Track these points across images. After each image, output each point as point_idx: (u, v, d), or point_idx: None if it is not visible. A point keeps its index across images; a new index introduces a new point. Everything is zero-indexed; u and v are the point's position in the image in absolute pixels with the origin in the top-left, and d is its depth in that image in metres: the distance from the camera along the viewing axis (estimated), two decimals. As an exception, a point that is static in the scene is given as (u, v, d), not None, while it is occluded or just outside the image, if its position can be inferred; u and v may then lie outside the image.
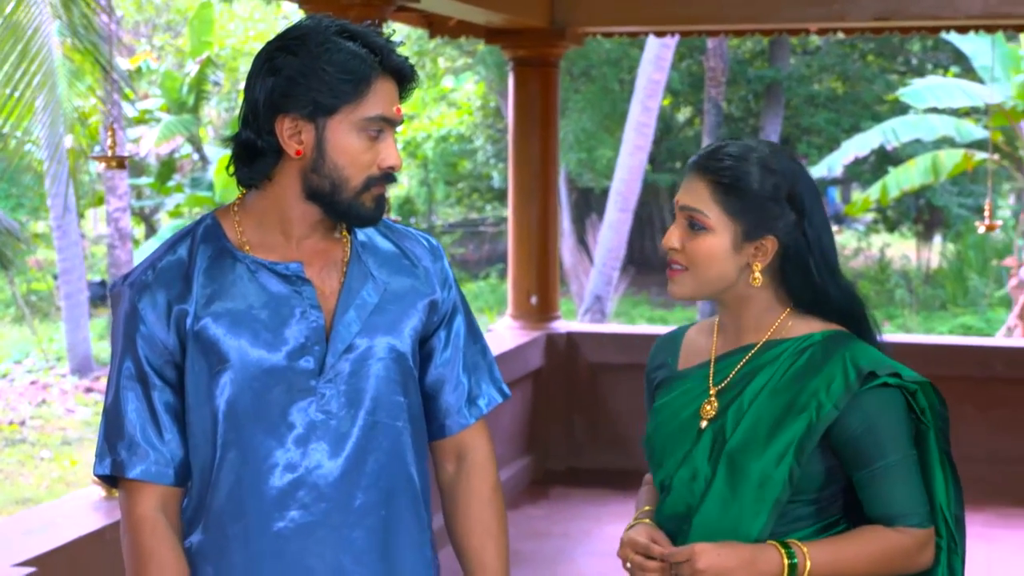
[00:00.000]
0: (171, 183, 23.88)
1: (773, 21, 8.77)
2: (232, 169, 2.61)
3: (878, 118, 24.09)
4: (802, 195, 2.77)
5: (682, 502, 2.79)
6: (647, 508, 2.92)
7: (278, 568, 2.56)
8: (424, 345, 2.73)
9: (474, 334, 2.81)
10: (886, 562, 2.69)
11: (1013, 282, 18.88)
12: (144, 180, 23.69)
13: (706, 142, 22.36)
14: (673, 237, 2.79)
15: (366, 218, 2.59)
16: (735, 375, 2.81)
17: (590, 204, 26.81)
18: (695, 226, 2.77)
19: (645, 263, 28.69)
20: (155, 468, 2.57)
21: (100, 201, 21.65)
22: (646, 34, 9.71)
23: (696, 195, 2.77)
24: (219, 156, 22.49)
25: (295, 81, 2.50)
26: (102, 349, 19.71)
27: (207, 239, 2.62)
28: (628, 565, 2.77)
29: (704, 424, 2.80)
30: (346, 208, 2.56)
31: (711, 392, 2.83)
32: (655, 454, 2.88)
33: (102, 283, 23.92)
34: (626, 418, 8.83)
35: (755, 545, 2.67)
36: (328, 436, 2.56)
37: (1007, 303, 22.20)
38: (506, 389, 2.86)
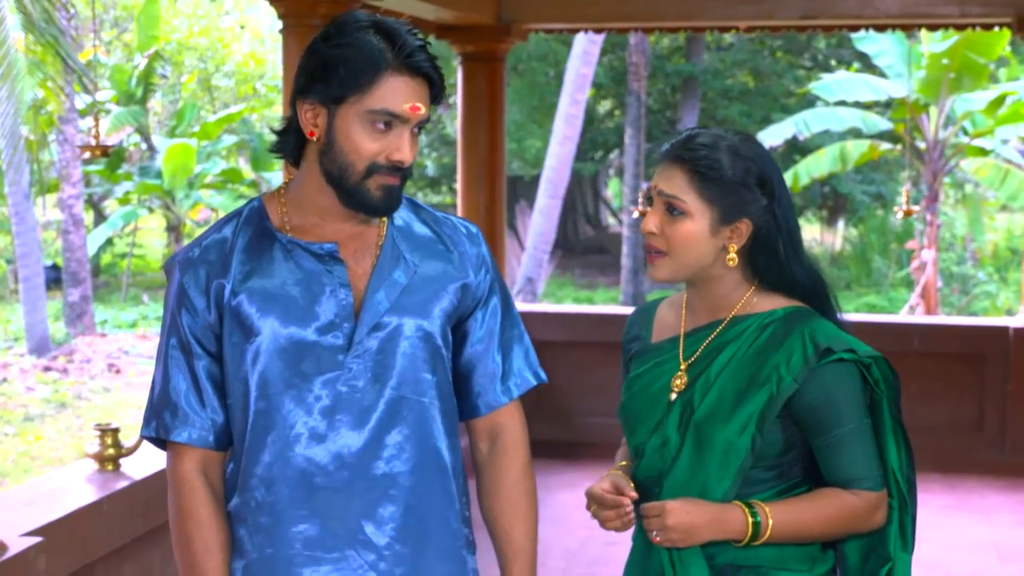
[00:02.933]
0: (120, 171, 23.62)
1: (706, 18, 8.81)
2: (273, 145, 2.67)
3: (787, 110, 24.29)
4: (771, 179, 2.81)
5: (654, 467, 2.84)
6: (623, 463, 2.97)
7: (303, 531, 2.57)
8: (460, 327, 2.72)
9: (511, 318, 2.78)
10: (842, 522, 2.76)
11: (915, 264, 19.12)
12: (94, 168, 23.41)
13: (628, 133, 22.43)
14: (651, 223, 2.81)
15: (372, 206, 2.57)
16: (703, 350, 2.86)
17: (518, 191, 26.84)
18: (674, 211, 2.79)
19: (569, 247, 28.79)
20: (197, 433, 2.60)
21: (53, 188, 21.41)
22: (586, 30, 9.68)
23: (673, 182, 2.79)
24: (167, 145, 22.29)
25: (317, 67, 2.53)
26: (58, 329, 19.54)
27: (250, 220, 2.65)
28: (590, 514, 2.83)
29: (674, 396, 2.85)
30: (352, 193, 2.56)
31: (681, 366, 2.87)
32: (629, 422, 2.93)
33: (54, 267, 23.69)
34: (569, 392, 8.86)
35: (721, 505, 2.74)
36: (353, 408, 2.57)
37: (908, 283, 22.49)
38: (541, 373, 2.81)
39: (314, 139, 2.57)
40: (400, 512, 2.59)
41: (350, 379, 2.57)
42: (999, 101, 17.43)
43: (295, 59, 6.39)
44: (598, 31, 9.64)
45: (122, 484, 4.56)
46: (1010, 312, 20.08)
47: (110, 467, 4.74)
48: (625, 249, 22.39)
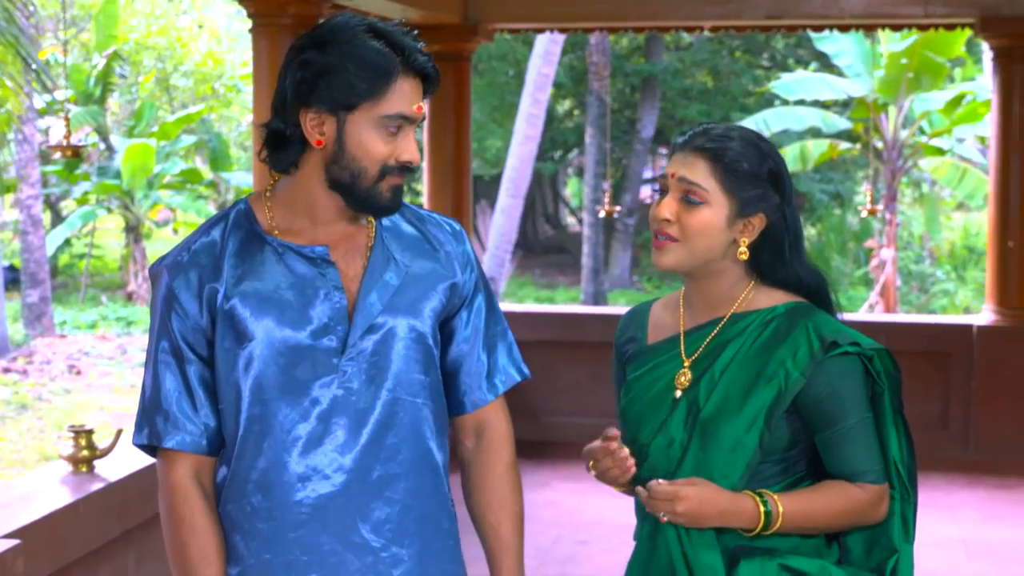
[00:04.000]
0: (78, 171, 23.48)
1: (672, 19, 8.83)
2: (264, 155, 2.62)
3: (746, 110, 24.38)
4: (784, 177, 2.82)
5: (659, 468, 2.83)
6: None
7: (300, 536, 2.56)
8: (446, 325, 2.71)
9: (494, 315, 2.78)
10: (848, 515, 2.78)
11: (874, 262, 19.26)
12: (51, 168, 23.28)
13: (589, 133, 22.48)
14: (666, 209, 2.79)
15: (383, 208, 2.58)
16: (706, 347, 2.85)
17: (478, 191, 26.84)
18: (692, 200, 2.78)
19: (529, 246, 28.82)
20: (189, 438, 2.58)
21: (11, 188, 21.27)
22: (552, 30, 9.69)
23: (694, 169, 2.77)
24: (125, 146, 22.17)
25: (320, 76, 2.50)
26: (17, 331, 19.41)
27: (239, 223, 2.62)
28: (593, 474, 2.83)
29: (679, 394, 2.84)
30: (364, 197, 2.55)
31: (684, 364, 2.86)
32: (631, 424, 2.91)
33: (11, 268, 23.51)
34: (535, 391, 8.86)
35: (734, 494, 2.74)
36: (349, 411, 2.56)
37: (866, 282, 22.62)
38: (525, 369, 2.82)
39: (320, 147, 2.54)
40: (397, 514, 2.59)
41: (345, 382, 2.56)
42: (957, 101, 17.57)
43: (265, 58, 6.41)
44: (563, 31, 9.65)
45: (97, 486, 4.53)
46: (968, 310, 20.25)
47: (84, 469, 4.70)
48: (586, 248, 22.43)
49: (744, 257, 2.80)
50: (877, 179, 19.14)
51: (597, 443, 2.81)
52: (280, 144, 2.58)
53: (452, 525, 2.70)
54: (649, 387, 2.89)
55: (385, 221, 2.68)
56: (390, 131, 2.53)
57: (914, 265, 22.34)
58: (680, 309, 2.94)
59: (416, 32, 2.58)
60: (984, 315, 8.76)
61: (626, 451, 2.77)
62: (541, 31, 10.06)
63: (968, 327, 8.73)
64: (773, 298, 2.85)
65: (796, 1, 8.55)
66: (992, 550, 7.11)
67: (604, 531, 7.18)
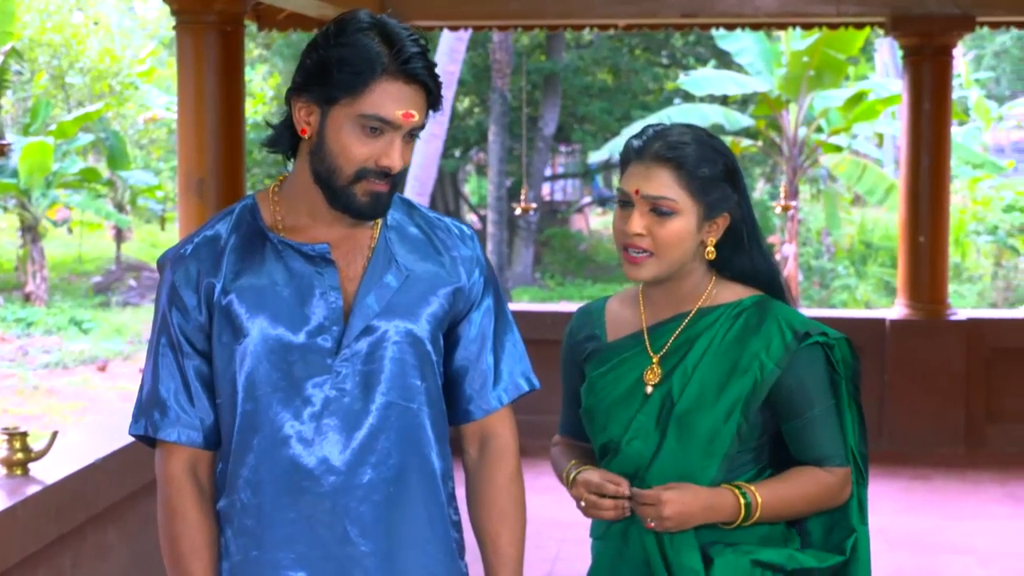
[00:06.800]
0: (-28, 170, 23.05)
1: (589, 16, 8.88)
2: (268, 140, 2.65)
3: (647, 107, 24.57)
4: (738, 172, 2.88)
5: (630, 463, 2.86)
6: (575, 462, 2.97)
7: (287, 535, 2.55)
8: (453, 331, 2.68)
9: (505, 323, 2.74)
10: (819, 499, 2.86)
11: (776, 258, 19.48)
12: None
13: (493, 131, 22.49)
14: (637, 225, 2.81)
15: (358, 210, 2.54)
16: (673, 342, 2.88)
17: (380, 189, 26.72)
18: (662, 212, 2.79)
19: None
20: (185, 432, 2.58)
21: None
22: (468, 27, 9.71)
23: (659, 182, 2.80)
24: (22, 144, 21.80)
25: (314, 66, 2.51)
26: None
27: (243, 218, 2.62)
28: (582, 504, 2.86)
29: (650, 389, 2.87)
30: (339, 195, 2.53)
31: (652, 359, 2.89)
32: (597, 421, 2.93)
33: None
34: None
35: (714, 490, 2.80)
36: (341, 413, 2.54)
37: (768, 277, 22.84)
38: (534, 380, 2.77)
39: (306, 137, 2.54)
40: (384, 517, 2.57)
41: (338, 383, 2.54)
42: (856, 98, 17.84)
43: (190, 55, 6.36)
44: (479, 28, 9.67)
45: (34, 489, 4.45)
46: (869, 305, 20.57)
47: (19, 472, 4.61)
48: (490, 246, 22.45)
49: (712, 256, 2.86)
50: (776, 175, 19.37)
51: (608, 479, 2.84)
52: (281, 129, 2.60)
53: (448, 532, 2.66)
54: (616, 383, 2.91)
55: (390, 221, 2.65)
56: (368, 132, 2.49)
57: (814, 261, 22.65)
58: (640, 305, 2.97)
59: (418, 37, 2.54)
60: (896, 309, 8.91)
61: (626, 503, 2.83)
62: (457, 28, 10.06)
63: (881, 321, 8.88)
64: (736, 292, 2.91)
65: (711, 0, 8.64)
66: (912, 540, 7.23)
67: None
